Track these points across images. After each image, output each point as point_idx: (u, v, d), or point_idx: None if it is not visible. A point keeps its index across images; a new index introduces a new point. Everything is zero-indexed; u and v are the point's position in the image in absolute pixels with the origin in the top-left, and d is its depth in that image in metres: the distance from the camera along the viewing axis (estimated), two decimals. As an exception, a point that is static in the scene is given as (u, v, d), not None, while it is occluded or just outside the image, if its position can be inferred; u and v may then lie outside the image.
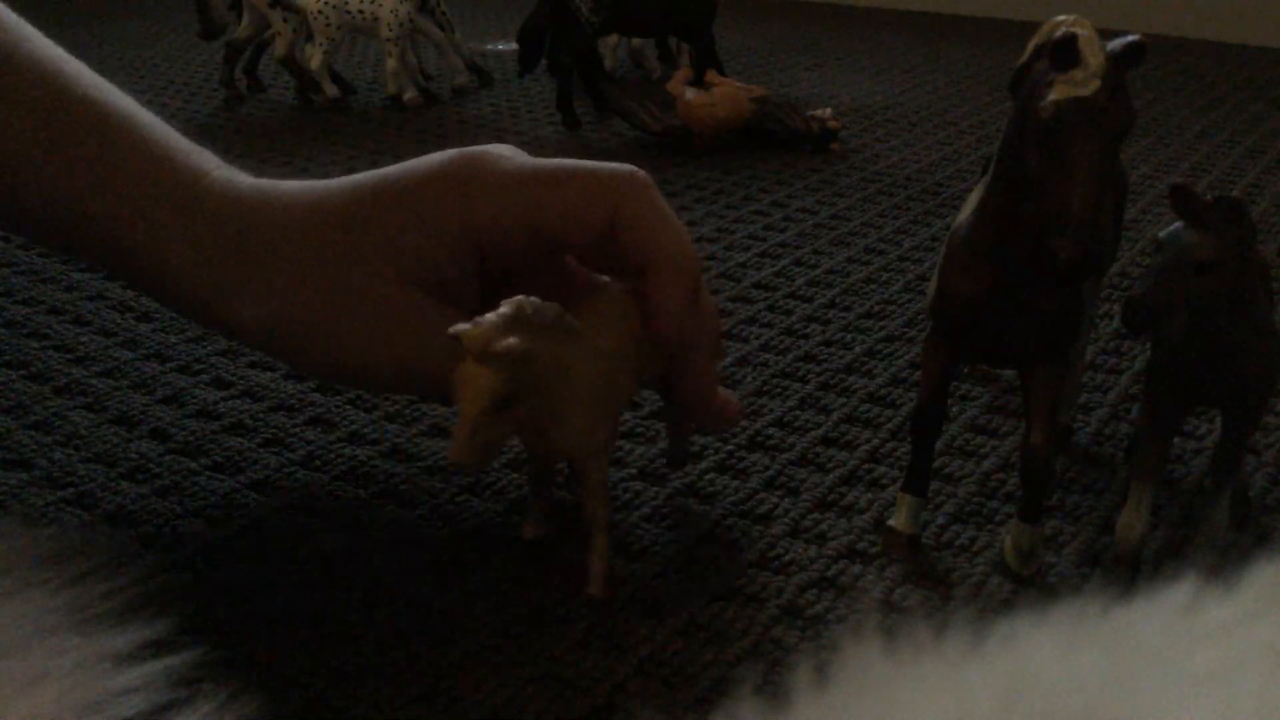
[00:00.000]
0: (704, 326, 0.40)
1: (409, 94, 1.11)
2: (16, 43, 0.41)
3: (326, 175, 0.55)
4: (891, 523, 0.41)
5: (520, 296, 0.34)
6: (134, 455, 0.47)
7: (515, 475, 0.46)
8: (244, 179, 0.42)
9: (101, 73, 0.43)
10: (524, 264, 0.40)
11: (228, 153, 0.48)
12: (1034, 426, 0.38)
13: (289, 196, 0.41)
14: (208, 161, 0.42)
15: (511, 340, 0.33)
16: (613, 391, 0.37)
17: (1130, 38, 0.34)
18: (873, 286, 0.66)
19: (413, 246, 0.39)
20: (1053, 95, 0.33)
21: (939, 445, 0.48)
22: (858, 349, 0.57)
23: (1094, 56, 0.33)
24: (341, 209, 0.40)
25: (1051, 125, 0.33)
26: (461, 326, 0.33)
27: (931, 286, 0.39)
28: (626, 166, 0.39)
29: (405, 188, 0.39)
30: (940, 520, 0.42)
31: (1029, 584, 0.39)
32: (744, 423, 0.50)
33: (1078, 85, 0.33)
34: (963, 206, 0.39)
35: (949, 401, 0.51)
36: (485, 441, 0.33)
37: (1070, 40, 0.33)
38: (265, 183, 0.42)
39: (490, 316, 0.33)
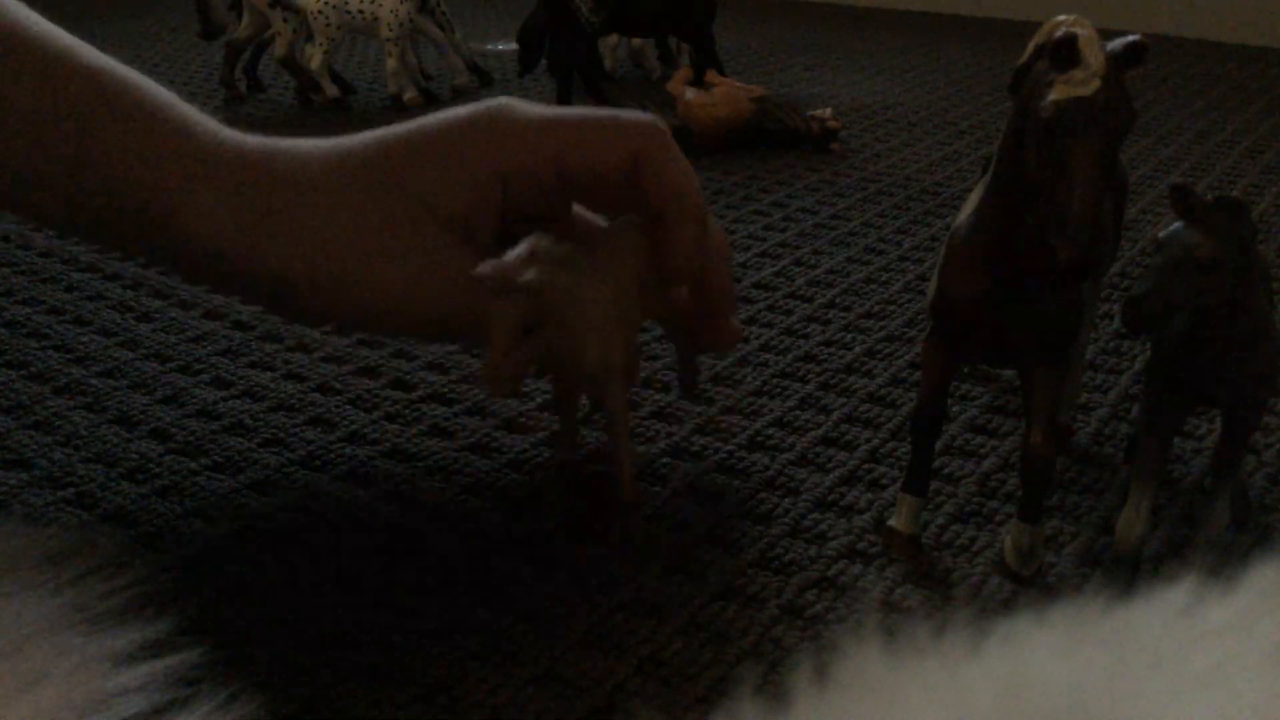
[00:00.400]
0: (716, 254, 0.43)
1: (409, 94, 1.11)
2: (18, 20, 0.40)
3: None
4: (891, 523, 0.41)
5: (535, 234, 0.38)
6: (134, 455, 0.47)
7: (515, 475, 0.46)
8: (255, 138, 0.42)
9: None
10: (543, 207, 0.42)
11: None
12: (1034, 426, 0.38)
13: (312, 150, 0.42)
14: (217, 124, 0.42)
15: (530, 274, 0.36)
16: (624, 319, 0.40)
17: (1130, 38, 0.34)
18: (873, 286, 0.66)
19: (444, 191, 0.40)
20: (1053, 95, 0.33)
21: (939, 445, 0.48)
22: (858, 349, 0.57)
23: (1094, 56, 0.33)
24: (370, 159, 0.41)
25: (1051, 125, 0.33)
26: (484, 267, 0.36)
27: (931, 286, 0.39)
28: (646, 115, 0.42)
29: (435, 136, 0.41)
30: (940, 520, 0.42)
31: (1029, 584, 0.39)
32: (744, 423, 0.50)
33: (1078, 85, 0.33)
34: (963, 206, 0.39)
35: (949, 401, 0.51)
36: (514, 368, 0.37)
37: (1070, 40, 0.33)
38: (282, 140, 0.42)
39: (510, 255, 0.37)
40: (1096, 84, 0.33)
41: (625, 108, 0.97)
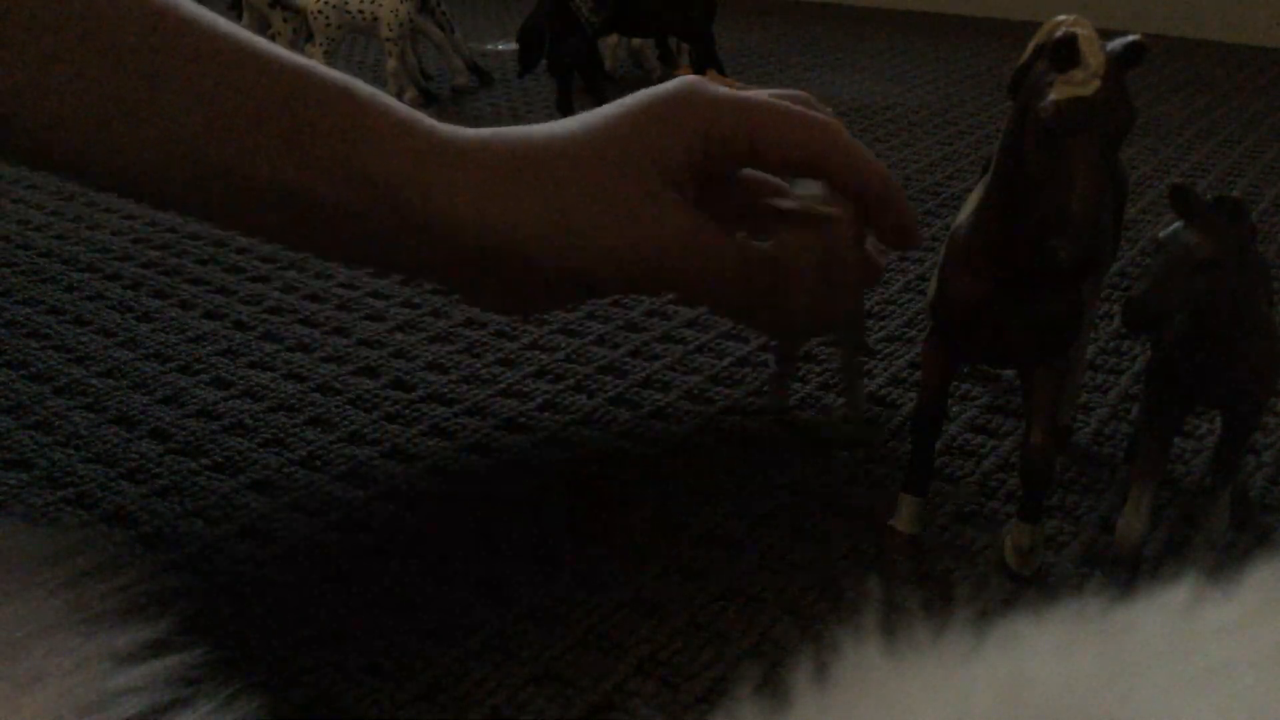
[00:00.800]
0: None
1: (409, 94, 1.11)
2: (220, 34, 0.41)
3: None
4: (892, 523, 0.41)
5: (813, 183, 0.43)
6: (134, 455, 0.47)
7: (515, 475, 0.46)
8: (476, 129, 0.46)
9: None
10: (721, 174, 0.47)
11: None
12: (1034, 426, 0.38)
13: (543, 131, 0.46)
14: (431, 118, 0.46)
15: (832, 209, 0.42)
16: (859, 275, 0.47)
17: (1130, 38, 0.34)
18: (873, 286, 0.66)
19: (665, 149, 0.45)
20: (1053, 95, 0.33)
21: (939, 445, 0.48)
22: (858, 349, 0.57)
23: (1094, 56, 0.33)
24: (602, 129, 0.45)
25: (1051, 125, 0.33)
26: (782, 203, 0.41)
27: (931, 286, 0.39)
28: (829, 115, 0.47)
29: (653, 104, 0.46)
30: (940, 520, 0.42)
31: (1029, 584, 0.39)
32: (744, 422, 0.50)
33: (1078, 85, 0.33)
34: (963, 206, 0.39)
35: (949, 401, 0.51)
36: (816, 292, 0.41)
37: (1070, 40, 0.33)
38: (501, 129, 0.46)
39: (804, 193, 0.42)
40: (1096, 84, 0.33)
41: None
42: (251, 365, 0.55)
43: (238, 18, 1.15)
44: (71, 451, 0.47)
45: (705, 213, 0.45)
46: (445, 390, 0.53)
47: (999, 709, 0.16)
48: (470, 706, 0.33)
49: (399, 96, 1.10)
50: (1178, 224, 0.35)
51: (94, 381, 0.54)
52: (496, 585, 0.39)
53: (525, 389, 0.53)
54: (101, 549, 0.27)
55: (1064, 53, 0.33)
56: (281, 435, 0.49)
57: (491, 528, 0.42)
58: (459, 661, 0.35)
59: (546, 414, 0.51)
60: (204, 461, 0.47)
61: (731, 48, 1.42)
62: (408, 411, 0.51)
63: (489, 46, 1.42)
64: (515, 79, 1.21)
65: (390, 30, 1.08)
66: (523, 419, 0.50)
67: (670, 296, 0.56)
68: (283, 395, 0.52)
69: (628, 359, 0.56)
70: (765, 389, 0.52)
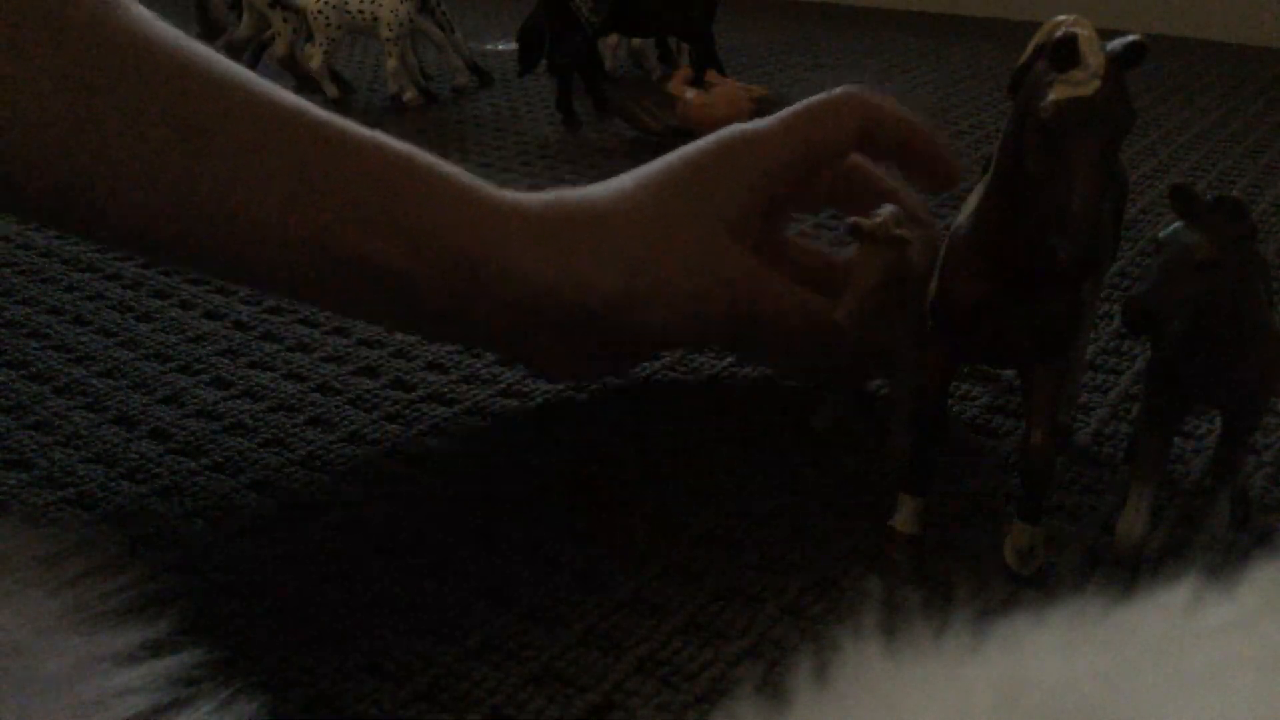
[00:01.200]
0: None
1: (409, 94, 1.11)
2: (284, 107, 0.42)
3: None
4: (892, 523, 0.41)
5: (890, 207, 0.42)
6: (134, 455, 0.47)
7: (515, 474, 0.46)
8: (537, 194, 0.47)
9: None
10: (797, 194, 0.49)
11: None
12: (1034, 426, 0.38)
13: (598, 189, 0.47)
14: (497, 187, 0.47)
15: (903, 230, 0.40)
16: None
17: (1130, 37, 0.34)
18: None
19: (724, 197, 0.46)
20: (1053, 95, 0.33)
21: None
22: (858, 349, 0.57)
23: (1094, 56, 0.33)
24: (658, 184, 0.46)
25: (1051, 125, 0.33)
26: (859, 219, 0.40)
27: (931, 286, 0.39)
28: (847, 89, 0.49)
29: (703, 155, 0.47)
30: (940, 520, 0.42)
31: (1029, 584, 0.39)
32: (744, 422, 0.50)
33: (1078, 85, 0.33)
34: (962, 206, 0.39)
35: (950, 402, 0.51)
36: (867, 311, 0.40)
37: (1070, 40, 0.33)
38: (561, 192, 0.47)
39: (885, 210, 0.41)
40: (1096, 84, 0.33)
41: (623, 108, 0.97)
42: (251, 365, 0.55)
43: (238, 18, 1.15)
44: (71, 451, 0.47)
45: (769, 260, 0.46)
46: (445, 390, 0.53)
47: (999, 709, 0.16)
48: (470, 706, 0.33)
49: (399, 96, 1.10)
50: (1178, 224, 0.35)
51: (94, 381, 0.54)
52: (496, 585, 0.39)
53: (525, 389, 0.53)
54: (101, 549, 0.27)
55: (1064, 53, 0.33)
56: (281, 435, 0.49)
57: (491, 528, 0.42)
58: (459, 661, 0.35)
59: (546, 414, 0.51)
60: (204, 461, 0.47)
61: (731, 48, 1.42)
62: (408, 411, 0.51)
63: (489, 46, 1.42)
64: (515, 79, 1.21)
65: (390, 30, 1.08)
66: (523, 419, 0.50)
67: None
68: (283, 395, 0.52)
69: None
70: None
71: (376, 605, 0.38)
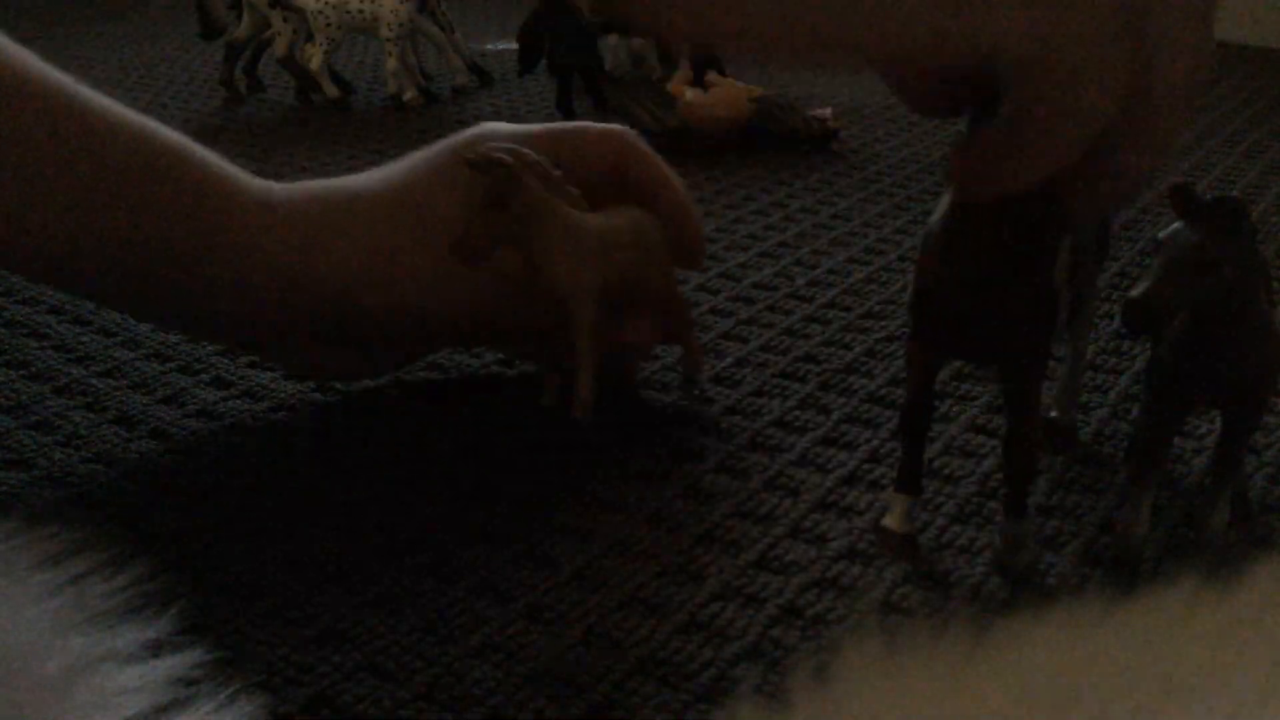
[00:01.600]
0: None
1: (409, 94, 1.11)
2: (30, 79, 0.43)
3: (326, 175, 0.55)
4: (885, 523, 0.41)
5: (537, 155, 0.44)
6: (134, 455, 0.47)
7: (515, 475, 0.46)
8: (277, 184, 0.48)
9: (101, 72, 0.43)
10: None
11: (228, 153, 0.48)
12: (1016, 421, 0.38)
13: (360, 176, 0.48)
14: (250, 175, 0.48)
15: (501, 153, 0.42)
16: (600, 252, 0.46)
17: None
18: (873, 286, 0.66)
19: (451, 208, 0.46)
20: None
21: (939, 445, 0.48)
22: (858, 349, 0.57)
23: None
24: (406, 176, 0.48)
25: None
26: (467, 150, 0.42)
27: (910, 286, 0.39)
28: (614, 125, 0.50)
29: (450, 151, 0.48)
30: (940, 520, 0.42)
31: (1029, 584, 0.39)
32: (744, 423, 0.50)
33: None
34: (936, 207, 0.39)
35: (950, 403, 0.51)
36: (479, 238, 0.42)
37: None
38: (309, 182, 0.48)
39: (491, 144, 0.43)
40: None
41: (623, 108, 0.98)
42: (251, 365, 0.55)
43: (238, 18, 1.15)
44: (71, 451, 0.47)
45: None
46: (445, 390, 0.53)
47: (999, 709, 0.16)
48: (469, 705, 0.33)
49: (399, 96, 1.10)
50: (1178, 224, 0.35)
51: (94, 381, 0.54)
52: (496, 585, 0.39)
53: (525, 389, 0.53)
54: (101, 549, 0.27)
55: None
56: (281, 435, 0.49)
57: (491, 528, 0.42)
58: (459, 661, 0.35)
59: (547, 414, 0.51)
60: (204, 461, 0.47)
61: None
62: (408, 411, 0.51)
63: (489, 46, 1.42)
64: (515, 79, 1.21)
65: (390, 30, 1.08)
66: (523, 419, 0.50)
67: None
68: (283, 395, 0.52)
69: (628, 359, 0.56)
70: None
71: (376, 605, 0.38)
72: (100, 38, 1.47)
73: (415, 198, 0.47)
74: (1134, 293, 0.34)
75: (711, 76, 0.99)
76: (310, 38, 1.10)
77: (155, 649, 0.24)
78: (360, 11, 1.08)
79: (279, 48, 1.10)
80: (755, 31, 0.29)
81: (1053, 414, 0.48)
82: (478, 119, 1.06)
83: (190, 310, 0.47)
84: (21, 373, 0.54)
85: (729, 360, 0.56)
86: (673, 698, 0.34)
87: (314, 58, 1.09)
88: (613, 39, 1.27)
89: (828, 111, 0.97)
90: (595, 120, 1.05)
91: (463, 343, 0.54)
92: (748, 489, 0.45)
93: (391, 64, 1.10)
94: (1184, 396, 0.37)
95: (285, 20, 1.09)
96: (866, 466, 0.46)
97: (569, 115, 1.03)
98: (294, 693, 0.34)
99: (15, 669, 0.22)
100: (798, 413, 0.51)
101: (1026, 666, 0.17)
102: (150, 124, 0.45)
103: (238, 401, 0.52)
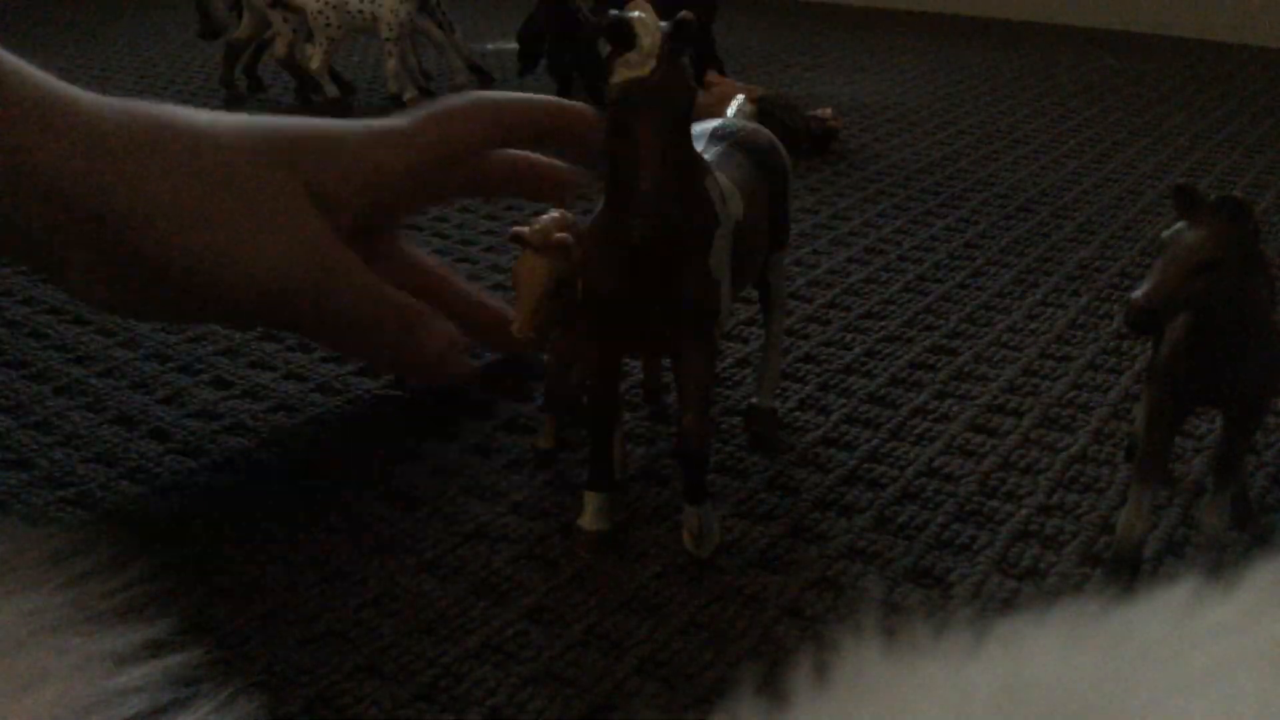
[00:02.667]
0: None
1: (409, 94, 1.11)
2: None
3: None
4: (579, 521, 0.41)
5: (560, 210, 0.42)
6: (134, 455, 0.47)
7: (516, 476, 0.46)
8: (115, 100, 0.43)
9: (101, 72, 0.43)
10: (411, 190, 0.48)
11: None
12: (687, 409, 0.39)
13: (197, 114, 0.44)
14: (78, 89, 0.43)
15: (565, 234, 0.40)
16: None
17: (679, 15, 0.35)
18: (873, 286, 0.66)
19: (333, 178, 0.45)
20: (614, 78, 0.34)
21: (939, 445, 0.48)
22: (858, 349, 0.57)
23: (648, 37, 0.34)
24: (265, 128, 0.44)
25: (616, 108, 0.34)
26: (520, 228, 0.40)
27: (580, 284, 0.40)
28: (480, 94, 0.50)
29: (338, 137, 0.46)
30: (940, 520, 0.42)
31: (1029, 584, 0.39)
32: (744, 423, 0.50)
33: (634, 67, 0.34)
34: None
35: (950, 402, 0.51)
36: (543, 321, 0.40)
37: (624, 23, 0.34)
38: (155, 105, 0.44)
39: (545, 218, 0.41)
40: (652, 64, 0.34)
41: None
42: (251, 365, 0.55)
43: (238, 18, 1.15)
44: (71, 451, 0.47)
45: (354, 249, 0.45)
46: (445, 390, 0.53)
47: (999, 709, 0.16)
48: (470, 706, 0.33)
49: (399, 96, 1.10)
50: (1180, 224, 0.35)
51: (94, 381, 0.54)
52: (496, 584, 0.39)
53: (524, 389, 0.53)
54: (101, 549, 0.27)
55: (618, 36, 0.34)
56: (281, 435, 0.49)
57: (491, 527, 0.42)
58: (459, 661, 0.35)
59: (546, 414, 0.51)
60: (204, 461, 0.47)
61: (731, 48, 1.42)
62: (407, 411, 0.51)
63: (489, 46, 1.42)
64: (515, 79, 1.21)
65: (390, 30, 1.08)
66: (523, 419, 0.50)
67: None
68: (283, 395, 0.52)
69: (626, 359, 0.56)
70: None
71: (376, 605, 0.38)
72: (101, 38, 1.47)
73: (260, 150, 0.43)
74: (1136, 293, 0.34)
75: (711, 76, 0.99)
76: (310, 38, 1.10)
77: (155, 649, 0.24)
78: (360, 12, 1.08)
79: (279, 48, 1.10)
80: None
81: (753, 400, 0.48)
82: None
83: None
84: (21, 373, 0.54)
85: (729, 360, 0.56)
86: (673, 698, 0.34)
87: (314, 58, 1.09)
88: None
89: (828, 111, 0.97)
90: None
91: (262, 320, 0.47)
92: (748, 489, 0.45)
93: (391, 64, 1.10)
94: (1184, 396, 0.37)
95: (285, 20, 1.09)
96: (866, 466, 0.46)
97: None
98: (294, 693, 0.34)
99: (15, 668, 0.22)
100: (797, 413, 0.51)
101: (1026, 666, 0.17)
102: None
103: (238, 401, 0.52)
